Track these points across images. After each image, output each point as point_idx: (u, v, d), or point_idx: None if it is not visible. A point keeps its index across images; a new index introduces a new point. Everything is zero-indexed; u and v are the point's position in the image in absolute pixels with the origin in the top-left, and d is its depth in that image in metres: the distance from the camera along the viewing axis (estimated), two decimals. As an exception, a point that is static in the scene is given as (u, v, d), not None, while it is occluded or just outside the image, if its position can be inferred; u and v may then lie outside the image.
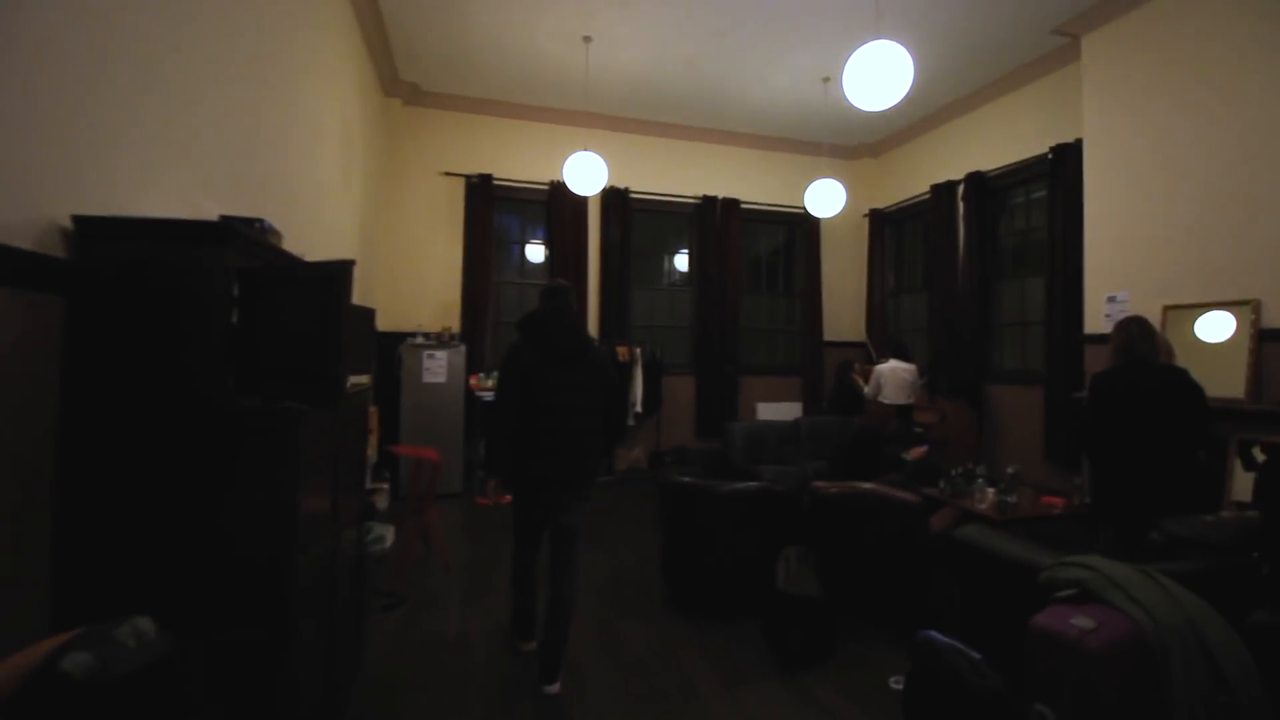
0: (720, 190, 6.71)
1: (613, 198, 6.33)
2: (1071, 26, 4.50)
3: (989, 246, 5.65)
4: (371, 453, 3.91)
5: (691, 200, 6.68)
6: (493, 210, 6.05)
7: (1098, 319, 4.37)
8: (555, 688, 2.42)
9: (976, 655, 1.97)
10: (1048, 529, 3.60)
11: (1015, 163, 5.31)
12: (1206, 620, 1.57)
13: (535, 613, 2.72)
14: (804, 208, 6.83)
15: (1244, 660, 1.51)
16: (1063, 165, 4.80)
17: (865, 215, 7.16)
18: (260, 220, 1.68)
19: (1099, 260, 4.39)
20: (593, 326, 6.31)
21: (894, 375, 5.27)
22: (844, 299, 7.18)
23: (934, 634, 2.13)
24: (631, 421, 6.05)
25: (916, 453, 4.16)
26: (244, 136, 2.39)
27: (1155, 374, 2.85)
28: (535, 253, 6.49)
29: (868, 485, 2.84)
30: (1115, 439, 2.89)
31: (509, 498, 2.53)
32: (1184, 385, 2.79)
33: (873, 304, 7.00)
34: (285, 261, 1.68)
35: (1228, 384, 3.58)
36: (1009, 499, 3.46)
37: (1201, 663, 1.53)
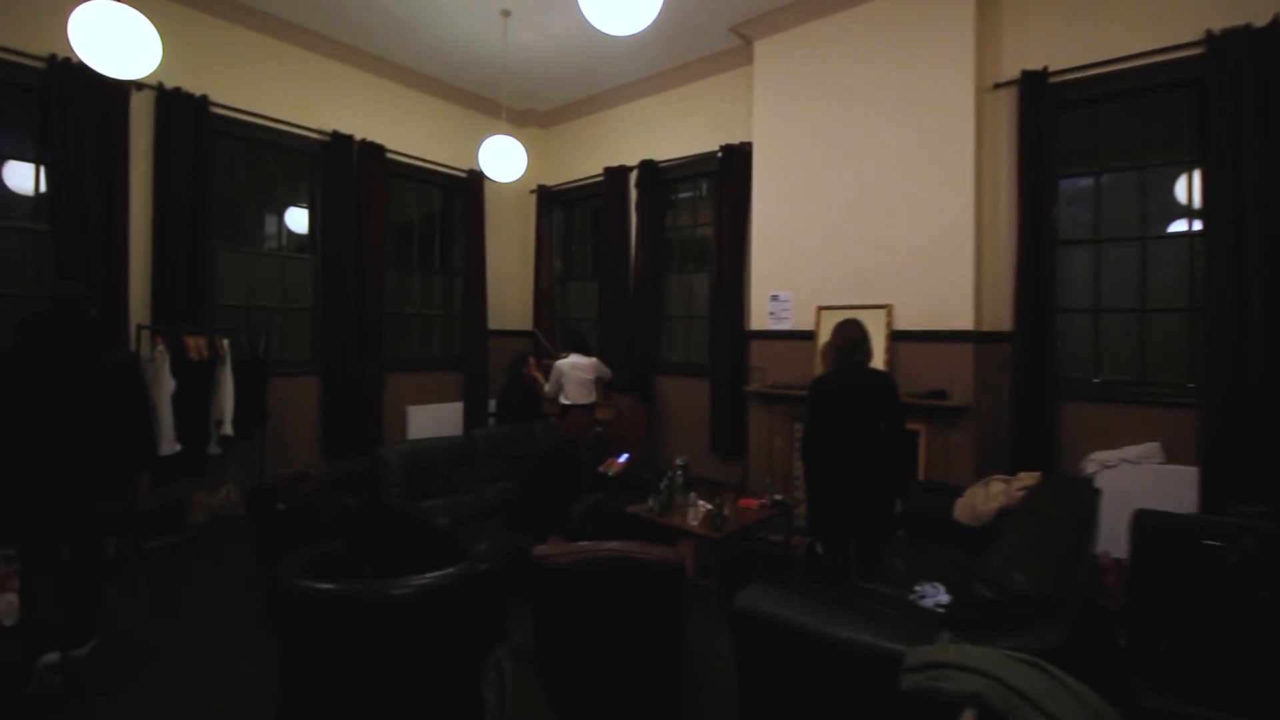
0: (359, 129, 5.09)
1: (177, 104, 4.13)
2: (748, 29, 4.54)
3: (660, 238, 5.55)
4: None
5: (316, 135, 4.90)
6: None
7: (762, 316, 4.54)
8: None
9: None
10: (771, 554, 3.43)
11: (687, 157, 5.26)
12: (1112, 724, 1.23)
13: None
14: (465, 170, 5.78)
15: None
16: (731, 165, 4.88)
17: (533, 191, 6.46)
18: None
19: (763, 261, 4.56)
20: (141, 304, 4.05)
21: (575, 372, 4.69)
22: (508, 283, 6.36)
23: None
24: (216, 449, 4.07)
25: (616, 465, 3.61)
26: None
27: (870, 378, 2.81)
28: (17, 177, 3.80)
29: (612, 545, 2.06)
30: (836, 443, 2.77)
31: None
32: (892, 392, 2.80)
33: (540, 290, 6.37)
34: None
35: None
36: (724, 512, 3.15)
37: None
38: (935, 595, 2.46)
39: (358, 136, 5.05)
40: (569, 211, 6.50)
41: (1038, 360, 3.58)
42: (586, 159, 5.98)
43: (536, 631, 2.19)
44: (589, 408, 4.73)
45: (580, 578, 2.06)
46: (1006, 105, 3.77)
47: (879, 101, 3.99)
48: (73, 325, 2.36)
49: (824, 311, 4.20)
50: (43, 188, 3.79)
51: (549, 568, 2.05)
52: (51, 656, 2.30)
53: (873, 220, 4.01)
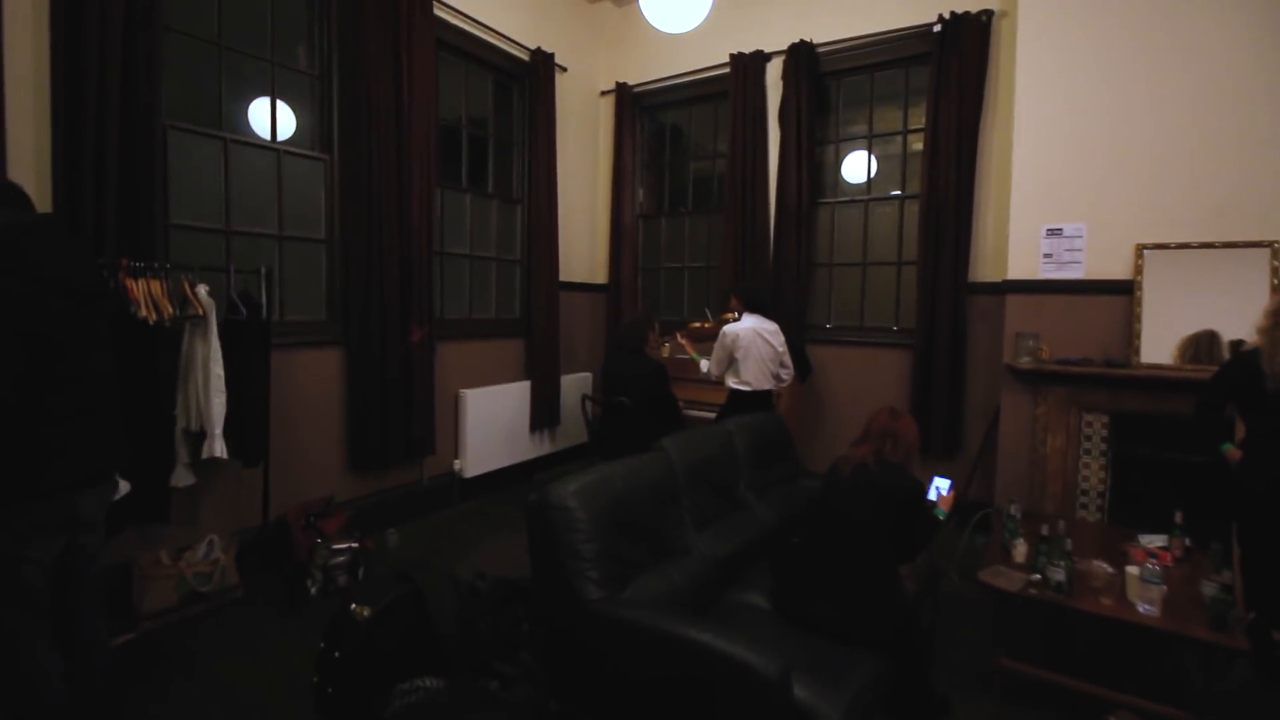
0: (389, -41, 3.21)
1: None
2: None
3: (814, 153, 4.01)
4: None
5: (324, -42, 3.01)
6: None
7: (1026, 260, 3.16)
8: None
9: None
10: None
11: (871, 36, 3.73)
12: None
13: None
14: (530, 49, 4.02)
15: None
16: (956, 43, 3.41)
17: (607, 92, 4.73)
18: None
19: (1030, 179, 3.15)
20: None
21: (758, 343, 3.16)
22: (575, 218, 4.65)
23: None
24: (189, 479, 2.30)
25: (943, 499, 2.16)
26: None
27: None
28: None
29: None
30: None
31: None
32: None
33: (620, 229, 4.70)
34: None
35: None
36: (1227, 594, 1.76)
37: None
38: None
39: (393, -31, 3.18)
40: (654, 122, 4.82)
41: None
42: (695, 45, 4.30)
43: None
44: (766, 395, 3.23)
45: None
46: None
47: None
48: (73, 250, 1.53)
49: (1149, 252, 2.87)
50: None
51: None
52: None
53: (1253, 112, 2.68)
